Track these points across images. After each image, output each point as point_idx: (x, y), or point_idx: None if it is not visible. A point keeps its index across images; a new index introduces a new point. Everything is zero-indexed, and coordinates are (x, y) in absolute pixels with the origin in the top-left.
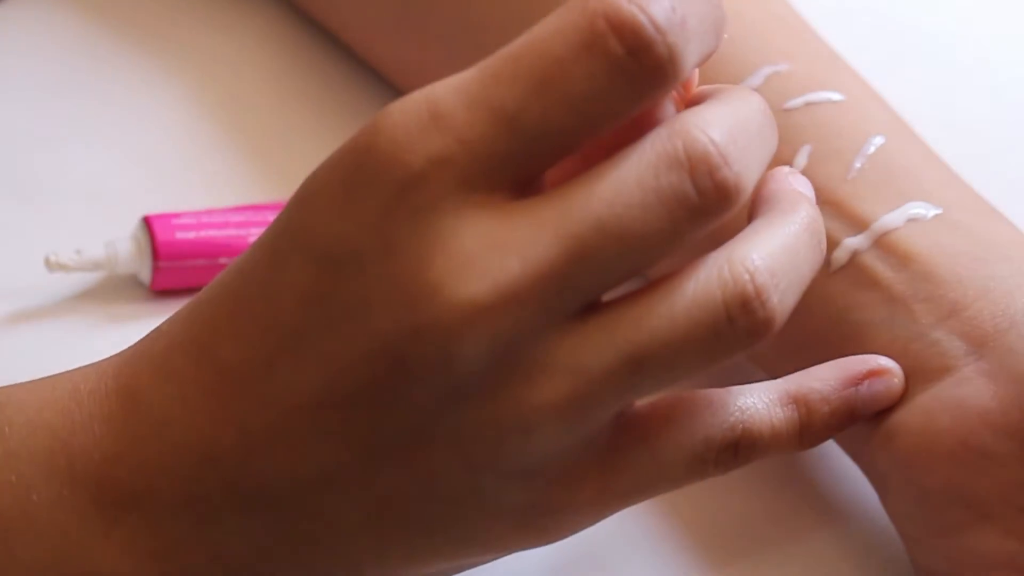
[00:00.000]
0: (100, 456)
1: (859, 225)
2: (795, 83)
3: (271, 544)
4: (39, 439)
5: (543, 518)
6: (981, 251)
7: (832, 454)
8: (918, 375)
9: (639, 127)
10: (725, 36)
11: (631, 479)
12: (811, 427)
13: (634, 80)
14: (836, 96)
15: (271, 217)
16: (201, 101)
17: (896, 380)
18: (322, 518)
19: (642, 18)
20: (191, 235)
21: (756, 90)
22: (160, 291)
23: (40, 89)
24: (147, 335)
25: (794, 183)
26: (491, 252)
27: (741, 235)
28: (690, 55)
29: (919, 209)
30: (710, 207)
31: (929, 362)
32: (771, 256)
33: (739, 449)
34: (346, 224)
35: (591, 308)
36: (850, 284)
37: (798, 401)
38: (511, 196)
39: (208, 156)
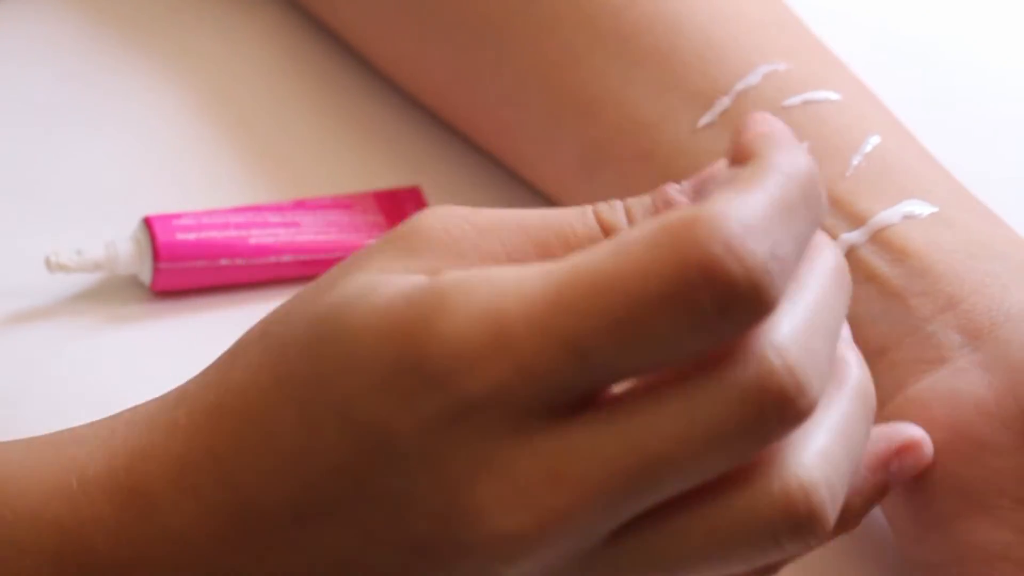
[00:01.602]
0: (111, 560)
1: (856, 221)
2: (793, 82)
3: None
4: (46, 535)
5: None
6: (976, 248)
7: None
8: (913, 367)
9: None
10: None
11: None
12: (844, 520)
13: (719, 331)
14: (833, 95)
15: (272, 218)
16: (202, 101)
17: (926, 450)
18: None
19: (738, 274)
20: (192, 236)
21: (754, 88)
22: (160, 292)
23: (40, 88)
24: (158, 411)
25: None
26: (540, 484)
27: (797, 437)
28: (782, 288)
29: (915, 207)
30: (775, 436)
31: (924, 354)
32: (827, 459)
33: (769, 569)
34: (393, 416)
35: (636, 517)
36: None
37: None
38: (570, 413)
39: (208, 156)
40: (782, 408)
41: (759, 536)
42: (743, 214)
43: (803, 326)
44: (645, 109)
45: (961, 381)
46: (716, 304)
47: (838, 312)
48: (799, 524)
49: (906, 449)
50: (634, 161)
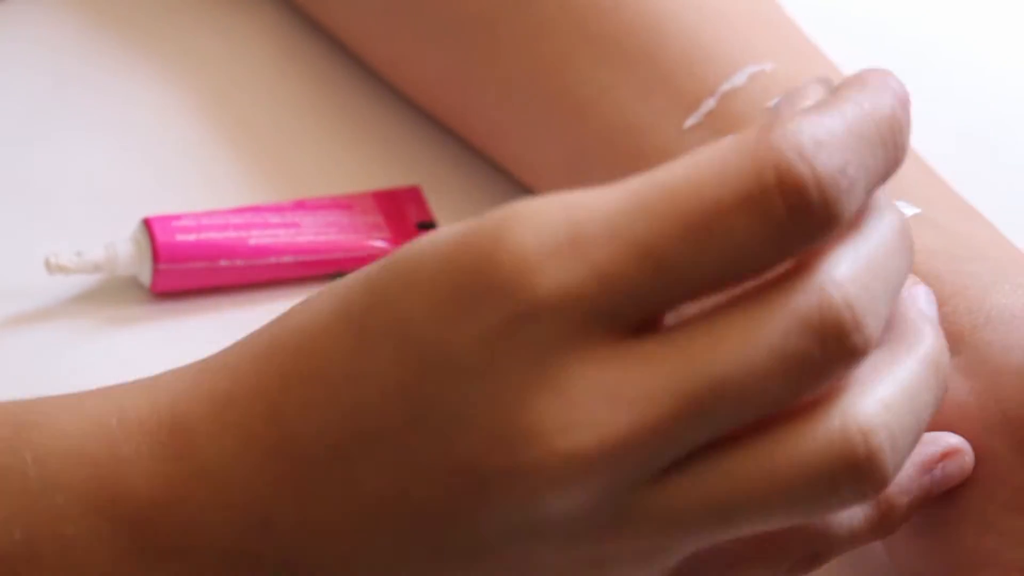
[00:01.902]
0: (147, 498)
1: None
2: (779, 82)
3: None
4: (80, 471)
5: None
6: (958, 250)
7: None
8: None
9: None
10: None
11: None
12: (889, 519)
13: (788, 239)
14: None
15: (271, 219)
16: (201, 102)
17: (967, 458)
18: None
19: (809, 180)
20: (191, 237)
21: (740, 89)
22: (160, 293)
23: (40, 89)
24: (207, 361)
25: (919, 302)
26: (600, 402)
27: (857, 375)
28: (850, 212)
29: (899, 207)
30: (835, 368)
31: None
32: (889, 407)
33: (818, 556)
34: (452, 331)
35: (688, 456)
36: None
37: (879, 498)
38: (630, 334)
39: (208, 157)
40: (839, 339)
41: (816, 477)
42: (817, 130)
43: (863, 268)
44: (633, 111)
45: None
46: (788, 206)
47: (899, 267)
48: (857, 466)
49: (950, 454)
50: (623, 163)
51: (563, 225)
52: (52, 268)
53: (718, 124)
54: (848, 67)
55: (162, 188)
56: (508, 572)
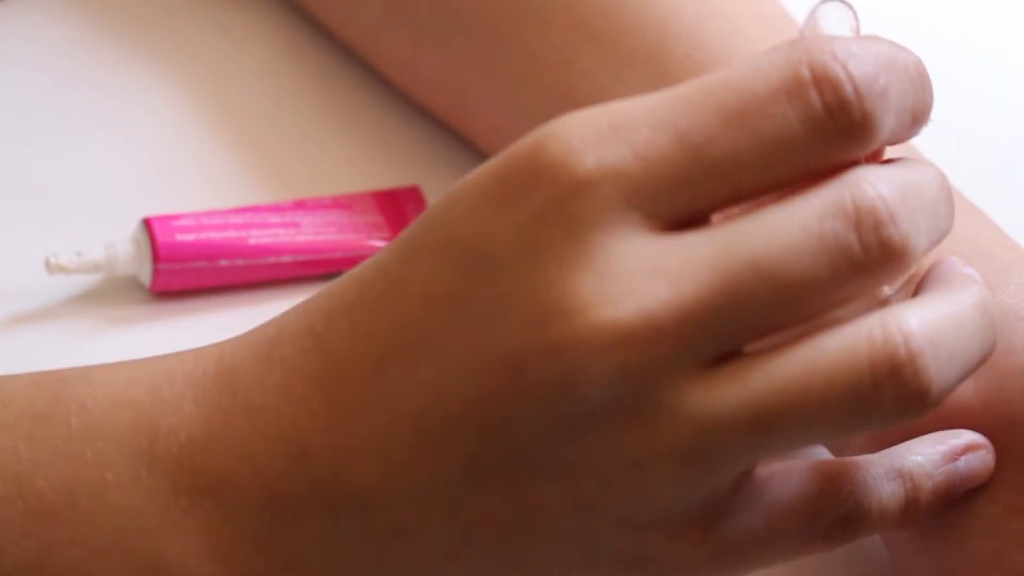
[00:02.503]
0: (186, 437)
1: None
2: None
3: (349, 557)
4: (122, 415)
5: (644, 573)
6: (963, 249)
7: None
8: None
9: (813, 180)
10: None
11: (742, 544)
12: (916, 502)
13: (825, 135)
14: None
15: (271, 218)
16: (201, 101)
17: (989, 455)
18: (408, 536)
19: (843, 77)
20: (191, 237)
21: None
22: (160, 293)
23: (40, 90)
24: (262, 323)
25: (961, 266)
26: (640, 276)
27: (900, 303)
28: (884, 126)
29: None
30: (873, 264)
31: None
32: (933, 324)
33: (848, 524)
34: (492, 223)
35: (727, 357)
36: None
37: (903, 475)
38: (671, 226)
39: (208, 157)
40: (876, 228)
41: (857, 378)
42: (849, 44)
43: (899, 181)
44: None
45: None
46: (824, 101)
47: (940, 203)
48: (898, 367)
49: (973, 447)
50: None
51: (605, 116)
52: (52, 268)
53: None
54: None
55: (162, 188)
56: (547, 483)
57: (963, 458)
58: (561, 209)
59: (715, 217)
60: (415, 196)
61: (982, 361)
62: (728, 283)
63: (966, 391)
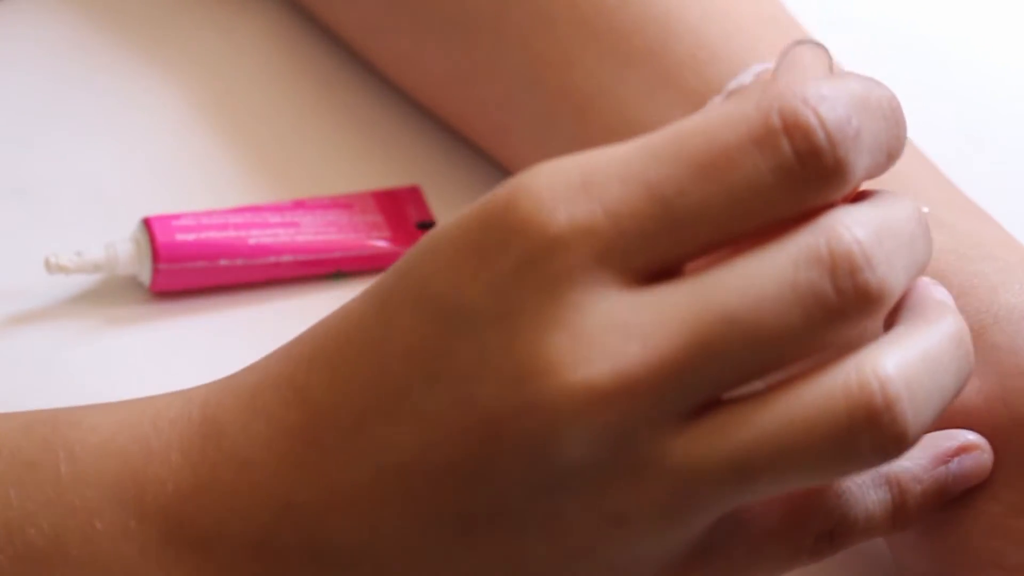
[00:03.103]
0: (173, 488)
1: None
2: None
3: None
4: (110, 464)
5: None
6: (966, 249)
7: None
8: None
9: (787, 226)
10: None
11: (726, 570)
12: (904, 508)
13: (796, 184)
14: None
15: (271, 218)
16: (201, 101)
17: (985, 455)
18: None
19: (815, 123)
20: (191, 236)
21: (745, 87)
22: (160, 293)
23: (40, 89)
24: (243, 369)
25: (935, 292)
26: (612, 335)
27: (876, 342)
28: (858, 170)
29: None
30: (849, 310)
31: None
32: (909, 365)
33: (835, 536)
34: (468, 282)
35: (707, 406)
36: None
37: (890, 482)
38: (643, 280)
39: (208, 157)
40: (851, 274)
41: (834, 426)
42: (820, 86)
43: (877, 222)
44: (638, 108)
45: None
46: (795, 149)
47: (916, 240)
48: (876, 415)
49: (967, 449)
50: None
51: (576, 170)
52: (52, 268)
53: None
54: (849, 67)
55: (162, 188)
56: (535, 536)
57: (956, 460)
58: (534, 268)
59: (689, 265)
60: (415, 196)
61: (959, 392)
62: (701, 337)
63: (970, 391)
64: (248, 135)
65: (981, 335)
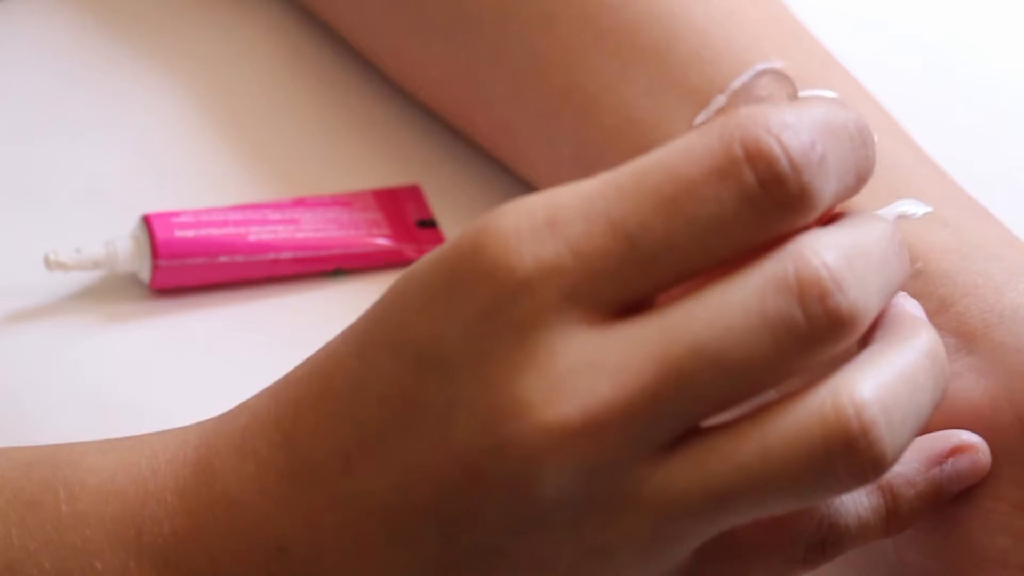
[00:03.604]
0: (169, 529)
1: None
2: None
3: None
4: (109, 506)
5: None
6: (970, 249)
7: None
8: None
9: (757, 253)
10: (869, 179)
11: None
12: (897, 513)
13: (762, 212)
14: (829, 94)
15: (271, 215)
16: (200, 99)
17: (981, 455)
18: None
19: (778, 151)
20: (190, 233)
21: (749, 85)
22: (159, 289)
23: (40, 88)
24: (234, 407)
25: (908, 307)
26: (583, 373)
27: (850, 363)
28: (825, 195)
29: (909, 207)
30: (820, 335)
31: None
32: (883, 387)
33: (827, 545)
34: (441, 326)
35: (684, 435)
36: None
37: (883, 487)
38: (612, 315)
39: (207, 155)
40: (821, 299)
41: (810, 453)
42: (782, 113)
43: (847, 244)
44: (642, 107)
45: (956, 386)
46: (759, 178)
47: (889, 261)
48: (852, 440)
49: (961, 449)
50: (631, 157)
51: (541, 210)
52: (51, 265)
53: None
54: (849, 68)
55: (161, 186)
56: (519, 572)
57: (950, 461)
58: (504, 311)
59: (661, 296)
60: (415, 195)
61: (936, 407)
62: (671, 371)
63: (974, 390)
64: (248, 133)
65: (986, 334)
